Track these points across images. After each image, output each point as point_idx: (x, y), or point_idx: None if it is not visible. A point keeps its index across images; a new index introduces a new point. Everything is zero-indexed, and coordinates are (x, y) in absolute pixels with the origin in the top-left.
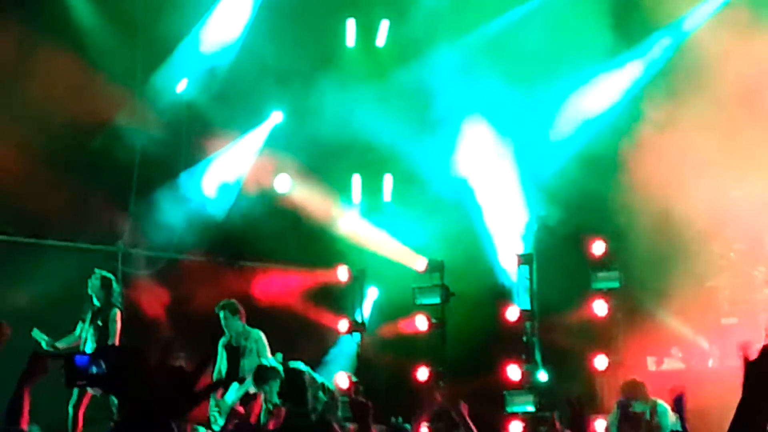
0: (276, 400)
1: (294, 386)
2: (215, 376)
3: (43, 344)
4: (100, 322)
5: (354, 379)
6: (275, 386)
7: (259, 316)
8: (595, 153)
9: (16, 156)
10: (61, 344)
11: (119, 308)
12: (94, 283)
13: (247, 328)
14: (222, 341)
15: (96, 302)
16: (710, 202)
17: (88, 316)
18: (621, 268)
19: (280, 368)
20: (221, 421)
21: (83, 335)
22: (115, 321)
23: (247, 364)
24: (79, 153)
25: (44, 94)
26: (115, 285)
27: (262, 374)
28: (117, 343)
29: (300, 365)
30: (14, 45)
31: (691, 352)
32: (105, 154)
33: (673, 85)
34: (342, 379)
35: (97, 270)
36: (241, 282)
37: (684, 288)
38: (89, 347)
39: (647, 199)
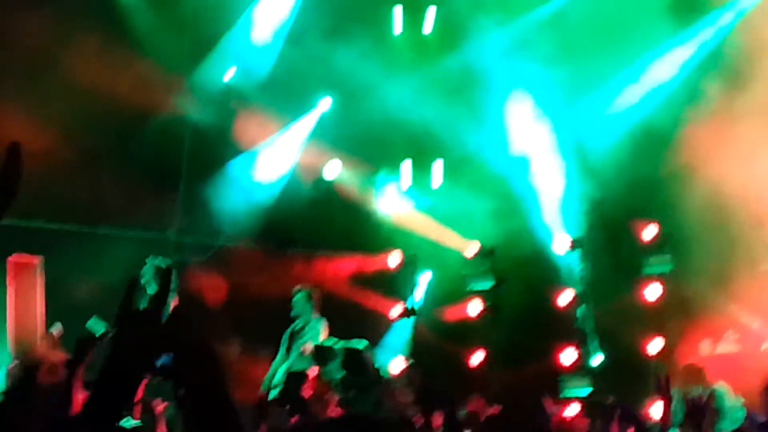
0: (337, 377)
1: (356, 360)
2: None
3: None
4: None
5: (411, 361)
6: (334, 365)
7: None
8: (648, 133)
9: (66, 144)
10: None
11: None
12: (147, 272)
13: (311, 314)
14: (291, 328)
15: (149, 290)
16: (764, 184)
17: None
18: (673, 252)
19: (338, 346)
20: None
21: None
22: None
23: (295, 346)
24: (129, 140)
25: (92, 81)
26: (172, 275)
27: (322, 353)
28: None
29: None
30: (60, 30)
31: (746, 335)
32: (154, 142)
33: (730, 65)
34: (398, 364)
35: (148, 259)
36: (292, 269)
37: (738, 271)
38: None
39: (700, 182)
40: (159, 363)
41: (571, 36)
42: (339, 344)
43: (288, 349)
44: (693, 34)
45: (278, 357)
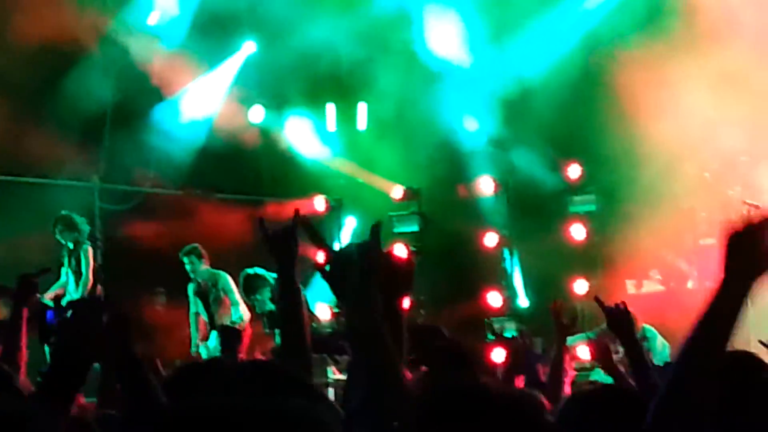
0: (270, 307)
1: None
2: (192, 320)
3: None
4: (73, 262)
5: (336, 310)
6: (266, 293)
7: (236, 250)
8: (569, 72)
9: None
10: (51, 293)
11: (88, 244)
12: (58, 228)
13: (213, 271)
14: (192, 288)
15: (69, 245)
16: (684, 123)
17: (65, 259)
18: (597, 192)
19: (268, 275)
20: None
21: (67, 279)
22: (85, 255)
23: (216, 311)
24: (51, 87)
25: (11, 24)
26: (77, 220)
27: (251, 283)
28: (90, 279)
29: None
30: None
31: (671, 274)
32: (77, 88)
33: (653, 5)
34: (323, 310)
35: (55, 217)
36: (218, 215)
37: (661, 210)
38: (71, 289)
39: (622, 121)
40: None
41: None
42: (268, 274)
43: (207, 308)
44: None
45: (192, 313)
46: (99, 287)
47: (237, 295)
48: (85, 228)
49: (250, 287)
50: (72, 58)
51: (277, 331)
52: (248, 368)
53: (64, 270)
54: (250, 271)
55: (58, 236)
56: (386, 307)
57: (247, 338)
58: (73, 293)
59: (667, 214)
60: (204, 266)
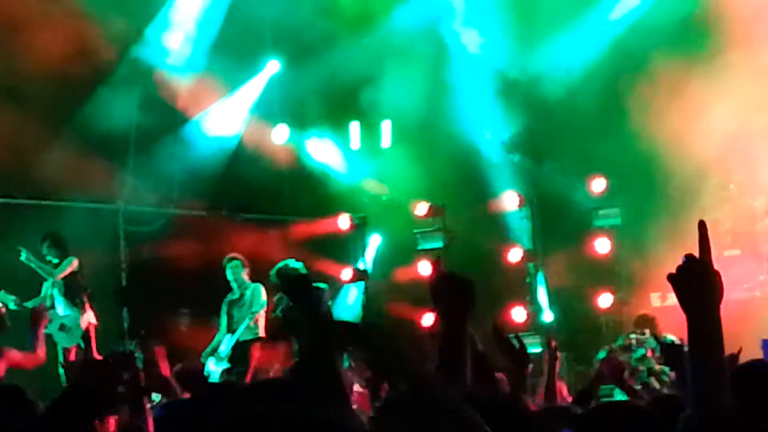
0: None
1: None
2: (219, 331)
3: (11, 305)
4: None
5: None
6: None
7: (262, 268)
8: (594, 86)
9: (11, 115)
10: (29, 304)
11: (73, 258)
12: (43, 246)
13: (247, 282)
14: (228, 298)
15: (54, 260)
16: (708, 135)
17: (48, 282)
18: (622, 205)
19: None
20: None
21: (48, 293)
22: (68, 268)
23: (236, 315)
24: (76, 110)
25: (36, 50)
26: (61, 239)
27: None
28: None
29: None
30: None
31: None
32: (101, 110)
33: (677, 20)
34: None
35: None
36: (243, 235)
37: (685, 222)
38: (58, 302)
39: (647, 134)
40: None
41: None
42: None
43: (230, 320)
44: None
45: (220, 328)
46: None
47: (262, 308)
48: (65, 243)
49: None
50: (96, 78)
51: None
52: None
53: (45, 284)
54: (288, 263)
55: (45, 251)
56: (446, 328)
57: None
58: (63, 308)
59: (691, 226)
60: (245, 276)
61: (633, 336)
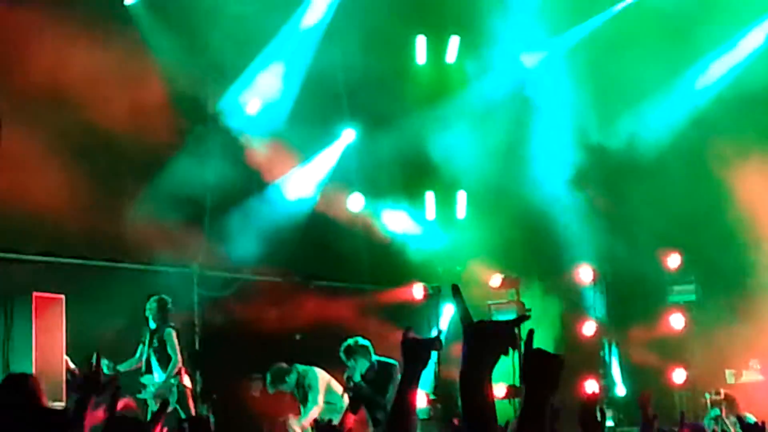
0: (357, 379)
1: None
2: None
3: (105, 369)
4: (156, 343)
5: (432, 397)
6: (361, 363)
7: (336, 336)
8: (670, 159)
9: (89, 178)
10: (122, 368)
11: (174, 327)
12: (151, 306)
13: (305, 367)
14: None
15: (152, 324)
16: None
17: (146, 338)
18: (697, 281)
19: (371, 346)
20: None
21: (143, 357)
22: (171, 338)
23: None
24: (152, 174)
25: (113, 114)
26: (170, 306)
27: (353, 349)
28: (179, 360)
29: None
30: (83, 56)
31: None
32: (178, 175)
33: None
34: (420, 398)
35: (152, 297)
36: (316, 302)
37: (761, 299)
38: (153, 367)
39: (724, 209)
40: None
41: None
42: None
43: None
44: None
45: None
46: (185, 370)
47: (320, 397)
48: (172, 311)
49: (350, 352)
50: (173, 145)
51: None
52: None
53: (141, 348)
54: (360, 339)
55: (148, 313)
56: (530, 404)
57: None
58: (160, 374)
59: (766, 302)
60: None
61: (707, 396)
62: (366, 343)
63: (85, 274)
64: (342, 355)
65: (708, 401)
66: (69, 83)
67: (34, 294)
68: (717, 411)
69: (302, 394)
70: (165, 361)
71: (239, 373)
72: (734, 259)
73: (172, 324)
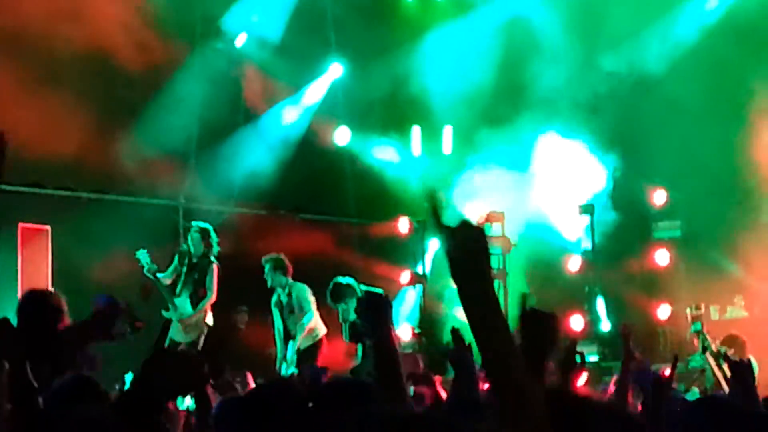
0: (352, 317)
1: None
2: (276, 336)
3: (145, 268)
4: (197, 275)
5: (417, 330)
6: (352, 304)
7: (319, 269)
8: (656, 102)
9: (77, 111)
10: (161, 276)
11: (216, 262)
12: (193, 236)
13: (290, 282)
14: (273, 300)
15: (194, 251)
16: None
17: (184, 269)
18: (682, 217)
19: (357, 286)
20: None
21: (179, 286)
22: (212, 274)
23: (291, 323)
24: (139, 107)
25: (102, 48)
26: (213, 236)
27: (338, 291)
28: (214, 297)
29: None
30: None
31: (754, 299)
32: (164, 108)
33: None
34: (405, 331)
35: (194, 222)
36: (302, 235)
37: (746, 236)
38: (184, 296)
39: (709, 146)
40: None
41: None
42: (357, 285)
43: (285, 325)
44: None
45: (278, 334)
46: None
47: (312, 306)
48: (216, 242)
49: (338, 294)
50: (158, 78)
51: (359, 344)
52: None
53: (177, 267)
54: (342, 279)
55: (191, 243)
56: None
57: (323, 350)
58: (186, 303)
59: (752, 240)
60: (281, 277)
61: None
62: (349, 281)
63: (70, 205)
64: (330, 301)
65: (689, 316)
66: (54, 11)
67: (20, 224)
68: (698, 325)
69: (296, 306)
70: (198, 293)
71: (225, 306)
72: (719, 196)
73: (215, 257)
